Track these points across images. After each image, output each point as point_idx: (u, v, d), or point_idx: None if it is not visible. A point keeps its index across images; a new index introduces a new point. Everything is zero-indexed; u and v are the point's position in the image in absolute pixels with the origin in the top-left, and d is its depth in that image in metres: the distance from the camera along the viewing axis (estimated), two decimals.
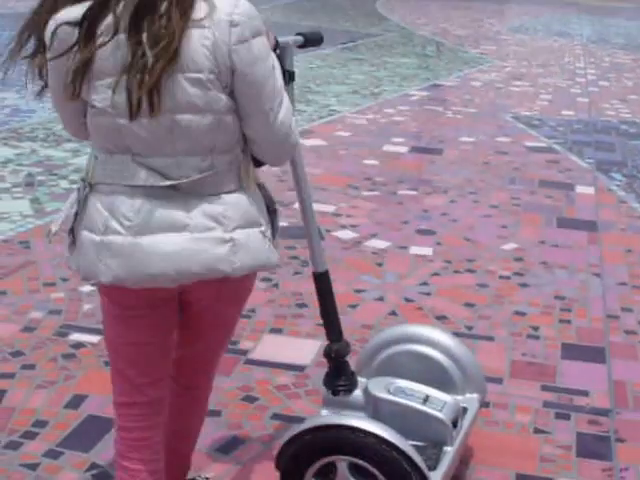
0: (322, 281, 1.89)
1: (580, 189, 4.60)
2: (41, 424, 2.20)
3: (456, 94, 7.22)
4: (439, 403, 1.96)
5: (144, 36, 1.31)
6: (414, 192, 4.41)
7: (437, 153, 5.26)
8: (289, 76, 1.70)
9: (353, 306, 3.00)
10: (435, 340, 2.11)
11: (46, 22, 1.37)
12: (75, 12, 1.35)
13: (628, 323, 3.01)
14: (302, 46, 1.83)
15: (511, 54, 9.95)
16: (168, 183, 1.39)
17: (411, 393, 1.96)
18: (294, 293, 3.10)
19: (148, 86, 1.32)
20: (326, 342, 1.93)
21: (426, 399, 1.96)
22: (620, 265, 3.54)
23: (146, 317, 1.51)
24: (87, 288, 3.07)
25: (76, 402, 2.31)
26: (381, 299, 3.08)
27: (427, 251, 3.58)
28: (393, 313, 2.97)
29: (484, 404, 2.21)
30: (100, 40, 1.33)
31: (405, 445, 1.76)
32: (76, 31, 1.34)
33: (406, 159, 5.10)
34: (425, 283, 3.26)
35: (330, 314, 1.91)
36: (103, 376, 2.45)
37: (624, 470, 2.17)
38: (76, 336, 2.69)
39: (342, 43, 9.33)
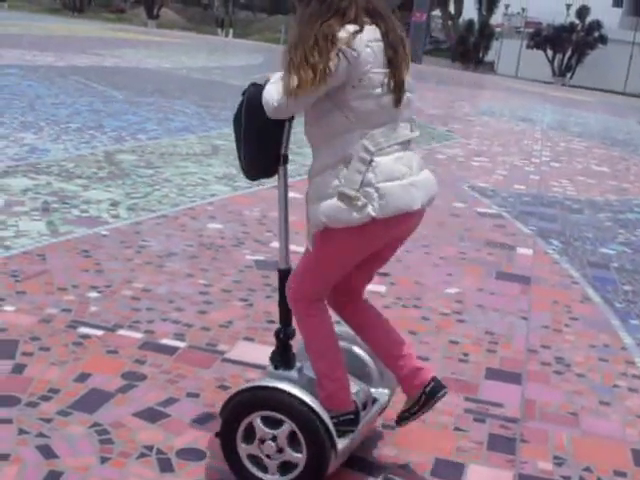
0: (284, 276, 2.32)
1: (520, 250, 5.20)
2: (54, 391, 2.66)
3: None
4: (354, 388, 2.34)
5: None
6: None
7: None
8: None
9: None
10: (361, 341, 2.49)
11: None
12: None
13: (545, 357, 3.49)
14: None
15: (475, 133, 10.75)
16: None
17: None
18: (265, 312, 3.62)
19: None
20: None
21: None
22: (545, 312, 4.06)
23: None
24: (94, 293, 3.58)
25: (82, 378, 2.78)
26: (338, 322, 3.61)
27: (381, 289, 4.10)
28: None
29: None
30: None
31: (321, 410, 2.13)
32: None
33: None
34: None
35: (285, 303, 2.32)
36: (105, 360, 2.95)
37: (524, 463, 2.60)
38: (84, 329, 3.17)
39: None
